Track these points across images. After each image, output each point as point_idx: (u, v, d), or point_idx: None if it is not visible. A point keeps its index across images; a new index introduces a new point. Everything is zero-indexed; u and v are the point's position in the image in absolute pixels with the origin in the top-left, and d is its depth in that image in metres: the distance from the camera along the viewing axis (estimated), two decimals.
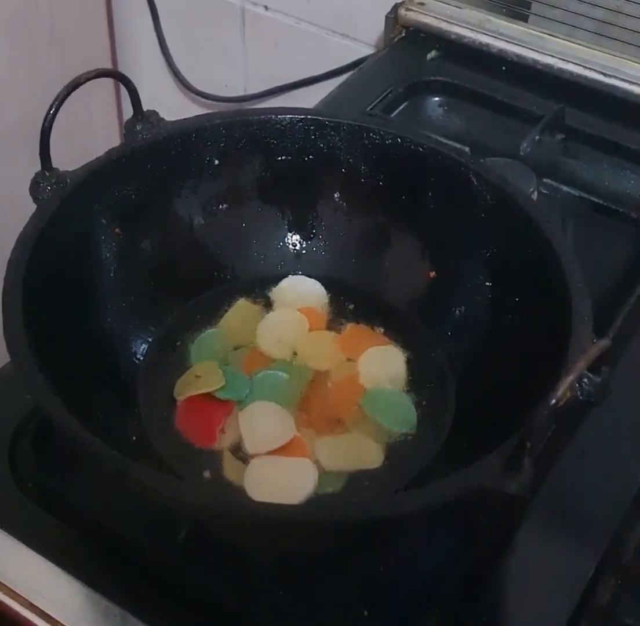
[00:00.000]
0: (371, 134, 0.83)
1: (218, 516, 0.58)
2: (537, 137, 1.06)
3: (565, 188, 1.00)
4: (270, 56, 1.48)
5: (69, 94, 0.73)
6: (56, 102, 0.73)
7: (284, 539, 0.65)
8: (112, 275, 0.78)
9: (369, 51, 1.32)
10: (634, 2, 1.11)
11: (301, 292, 0.86)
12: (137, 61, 1.54)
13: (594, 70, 1.14)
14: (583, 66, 1.14)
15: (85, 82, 0.74)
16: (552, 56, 1.16)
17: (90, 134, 1.50)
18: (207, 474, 0.74)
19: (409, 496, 0.60)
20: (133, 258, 0.79)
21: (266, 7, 1.43)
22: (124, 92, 0.78)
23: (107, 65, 1.49)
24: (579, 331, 0.66)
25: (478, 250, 0.80)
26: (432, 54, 1.21)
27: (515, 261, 0.76)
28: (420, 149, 0.81)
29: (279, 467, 0.74)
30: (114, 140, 1.50)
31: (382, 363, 0.81)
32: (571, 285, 0.69)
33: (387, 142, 0.83)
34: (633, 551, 0.73)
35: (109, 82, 1.45)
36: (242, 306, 0.85)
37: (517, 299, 0.76)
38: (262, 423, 0.77)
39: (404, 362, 0.82)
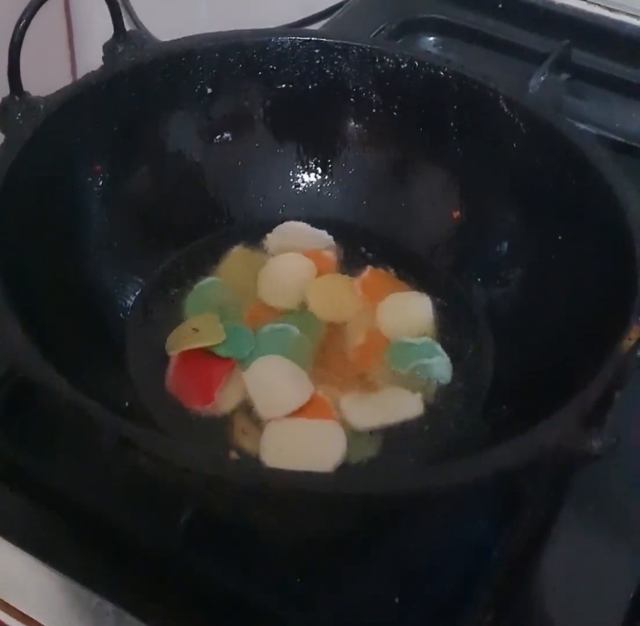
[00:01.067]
0: (384, 58, 0.74)
1: (249, 490, 0.48)
2: (542, 77, 0.97)
3: (582, 126, 0.91)
4: (235, 3, 1.38)
5: (41, 4, 0.62)
6: (27, 14, 0.62)
7: (317, 517, 0.55)
8: (94, 218, 0.69)
9: None
10: None
11: (301, 237, 0.77)
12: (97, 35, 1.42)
13: (600, 5, 1.07)
14: (587, 1, 1.07)
15: None
16: None
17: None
18: (214, 443, 0.64)
19: (471, 463, 0.50)
20: (117, 200, 0.71)
21: None
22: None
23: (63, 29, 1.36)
24: None
25: (509, 186, 0.71)
26: None
27: (556, 196, 0.68)
28: (441, 73, 0.73)
29: (300, 431, 0.64)
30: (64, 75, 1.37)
31: (407, 311, 0.72)
32: (631, 220, 0.60)
33: (402, 67, 0.74)
34: None
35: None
36: (240, 253, 0.76)
37: (560, 238, 0.67)
38: (273, 382, 0.67)
39: (431, 310, 0.72)
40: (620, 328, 0.54)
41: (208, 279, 0.74)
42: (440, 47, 1.07)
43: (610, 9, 1.06)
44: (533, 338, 0.67)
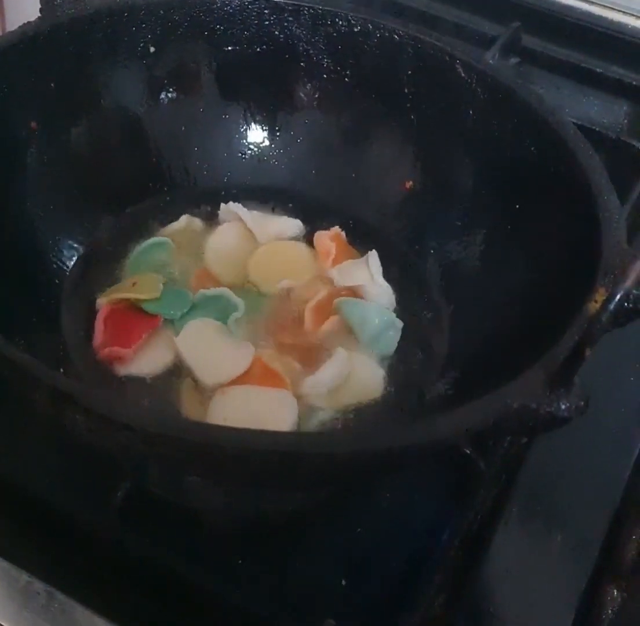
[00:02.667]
0: (337, 20, 0.72)
1: (195, 450, 0.44)
2: (491, 61, 0.95)
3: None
4: None
5: None
6: None
7: (263, 487, 0.52)
8: (29, 176, 0.66)
9: None
10: None
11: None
12: None
13: None
14: None
15: None
16: None
17: None
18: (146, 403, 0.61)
19: (434, 423, 0.47)
20: (54, 158, 0.68)
21: None
22: None
23: None
24: (610, 234, 0.55)
25: (465, 152, 0.70)
26: None
27: (515, 161, 0.66)
28: (396, 37, 0.71)
29: (249, 399, 0.61)
30: None
31: (359, 278, 0.69)
32: (595, 184, 0.58)
33: (355, 30, 0.72)
34: None
35: None
36: (189, 221, 0.73)
37: (518, 207, 0.65)
38: (209, 347, 0.64)
39: (385, 281, 0.70)
40: (585, 292, 0.52)
41: (154, 239, 0.71)
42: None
43: None
44: (494, 305, 0.65)
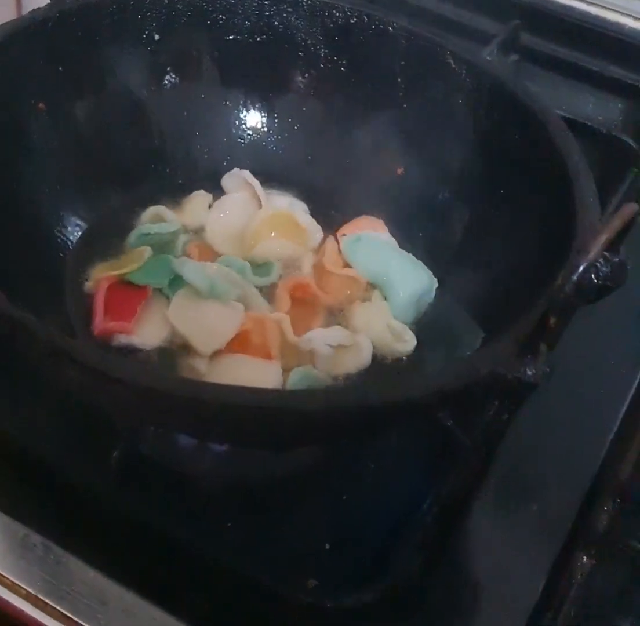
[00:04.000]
0: (334, 11, 0.75)
1: (184, 404, 0.47)
2: (488, 57, 0.97)
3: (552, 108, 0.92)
4: None
5: None
6: None
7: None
8: (36, 154, 0.68)
9: None
10: None
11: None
12: None
13: None
14: None
15: None
16: None
17: None
18: None
19: (412, 383, 0.50)
20: (60, 138, 0.70)
21: None
22: None
23: None
24: (585, 216, 0.58)
25: (454, 139, 0.72)
26: None
27: (501, 148, 0.69)
28: (390, 29, 0.73)
29: (240, 369, 0.64)
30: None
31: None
32: (571, 165, 0.61)
33: (351, 22, 0.75)
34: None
35: None
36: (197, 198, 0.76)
37: (502, 192, 0.68)
38: (198, 315, 0.67)
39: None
40: (557, 269, 0.54)
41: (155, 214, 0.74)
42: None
43: None
44: (474, 280, 0.68)
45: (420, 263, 0.72)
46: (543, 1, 1.08)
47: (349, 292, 0.72)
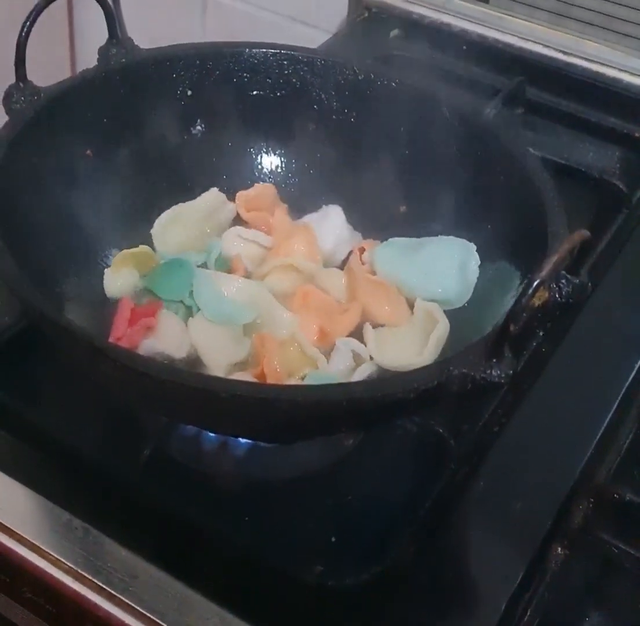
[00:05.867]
0: (345, 70, 0.83)
1: (196, 393, 0.56)
2: (493, 109, 1.06)
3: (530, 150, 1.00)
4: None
5: (46, 5, 0.72)
6: (33, 13, 0.72)
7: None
8: (84, 191, 0.77)
9: None
10: None
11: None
12: (95, 38, 1.53)
13: (554, 49, 1.15)
14: (543, 45, 1.16)
15: None
16: (513, 35, 1.17)
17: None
18: None
19: (389, 381, 0.59)
20: (104, 176, 0.79)
21: None
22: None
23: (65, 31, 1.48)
24: (554, 236, 0.67)
25: (450, 181, 0.80)
26: (394, 32, 1.22)
27: (488, 186, 0.77)
28: (393, 84, 0.82)
29: None
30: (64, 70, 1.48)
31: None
32: (547, 201, 0.70)
33: (360, 78, 0.83)
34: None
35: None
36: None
37: (489, 226, 0.76)
38: (213, 333, 0.73)
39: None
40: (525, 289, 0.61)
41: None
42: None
43: (564, 52, 1.15)
44: None
45: (448, 237, 0.79)
46: (548, 59, 1.15)
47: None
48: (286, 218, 0.83)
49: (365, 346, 0.74)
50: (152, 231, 0.80)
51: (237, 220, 0.85)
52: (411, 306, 0.78)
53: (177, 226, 0.80)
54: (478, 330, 0.67)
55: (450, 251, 0.77)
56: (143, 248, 0.78)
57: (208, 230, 0.82)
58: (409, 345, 0.74)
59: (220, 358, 0.71)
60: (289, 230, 0.81)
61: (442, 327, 0.74)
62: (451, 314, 0.76)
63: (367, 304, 0.77)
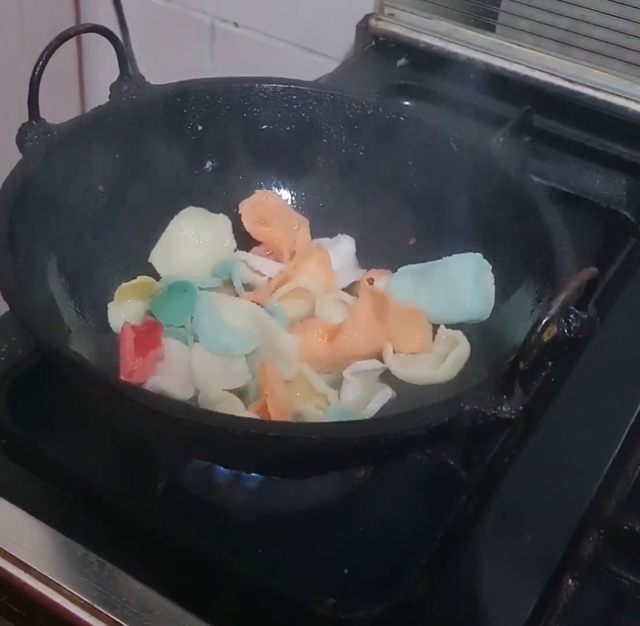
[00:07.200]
0: (353, 104, 0.84)
1: (208, 430, 0.57)
2: (501, 138, 1.07)
3: (536, 179, 1.01)
4: (240, 73, 1.49)
5: (59, 45, 0.73)
6: (46, 52, 0.73)
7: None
8: (96, 223, 0.78)
9: None
10: (597, 11, 1.13)
11: None
12: (104, 75, 1.54)
13: (561, 77, 1.17)
14: (549, 73, 1.17)
15: (75, 34, 0.74)
16: (519, 64, 1.18)
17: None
18: None
19: (401, 417, 0.60)
20: (115, 209, 0.80)
21: (236, 24, 1.44)
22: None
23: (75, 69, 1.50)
24: (563, 271, 0.67)
25: (458, 213, 0.80)
26: (401, 61, 1.23)
27: (495, 218, 0.78)
28: (401, 118, 0.83)
29: None
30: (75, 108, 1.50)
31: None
32: (554, 234, 0.70)
33: (368, 113, 0.84)
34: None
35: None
36: None
37: (497, 259, 0.77)
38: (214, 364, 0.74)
39: None
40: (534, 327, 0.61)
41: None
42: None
43: (570, 81, 1.16)
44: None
45: (454, 256, 0.79)
46: (555, 87, 1.16)
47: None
48: (308, 236, 0.84)
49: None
50: (150, 258, 0.81)
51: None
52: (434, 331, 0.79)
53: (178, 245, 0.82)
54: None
55: (462, 267, 0.78)
56: (143, 278, 0.78)
57: (209, 247, 0.83)
58: (428, 362, 0.76)
59: (214, 383, 0.72)
60: (308, 248, 0.82)
61: (463, 348, 0.75)
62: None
63: (396, 332, 0.77)
